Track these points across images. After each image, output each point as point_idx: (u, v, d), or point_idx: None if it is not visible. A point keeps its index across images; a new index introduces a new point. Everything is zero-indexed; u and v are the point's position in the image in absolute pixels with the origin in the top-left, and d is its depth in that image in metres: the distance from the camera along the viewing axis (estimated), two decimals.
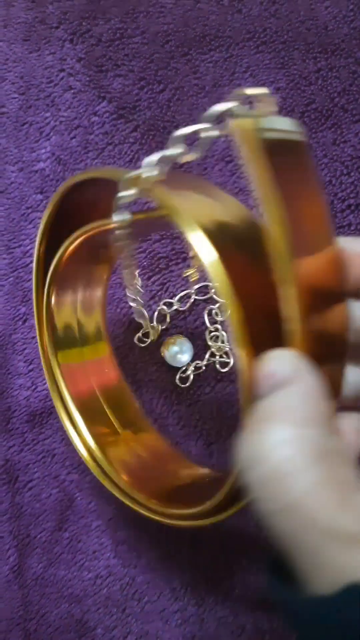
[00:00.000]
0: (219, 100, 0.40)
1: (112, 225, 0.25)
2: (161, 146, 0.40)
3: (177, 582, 0.36)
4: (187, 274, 0.38)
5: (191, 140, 0.23)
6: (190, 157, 0.23)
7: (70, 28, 0.42)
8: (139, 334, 0.39)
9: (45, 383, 0.39)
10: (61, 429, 0.39)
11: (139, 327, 0.39)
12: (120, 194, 0.23)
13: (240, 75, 0.40)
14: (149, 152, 0.40)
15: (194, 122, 0.39)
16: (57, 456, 0.39)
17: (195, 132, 0.22)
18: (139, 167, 0.23)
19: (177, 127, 0.39)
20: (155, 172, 0.22)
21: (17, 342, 0.40)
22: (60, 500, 0.38)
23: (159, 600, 0.36)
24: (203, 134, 0.22)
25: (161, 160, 0.22)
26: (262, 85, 0.40)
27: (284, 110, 0.39)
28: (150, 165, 0.22)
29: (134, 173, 0.23)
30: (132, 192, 0.23)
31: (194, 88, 0.40)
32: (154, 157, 0.22)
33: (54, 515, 0.38)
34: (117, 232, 0.25)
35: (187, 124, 0.39)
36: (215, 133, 0.22)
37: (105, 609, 0.37)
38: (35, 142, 0.41)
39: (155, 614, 0.36)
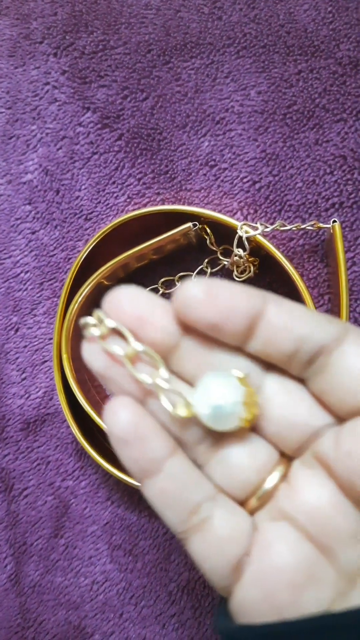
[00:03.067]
0: (201, 105, 0.40)
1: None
2: (145, 153, 0.40)
3: (173, 586, 0.36)
4: None
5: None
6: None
7: (54, 42, 0.42)
8: None
9: (38, 391, 0.40)
10: (55, 436, 0.39)
11: None
12: (242, 235, 0.35)
13: (222, 80, 0.40)
14: (134, 159, 0.41)
15: (177, 128, 0.40)
16: (51, 463, 0.39)
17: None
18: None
19: (161, 134, 0.40)
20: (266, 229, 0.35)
21: (10, 351, 0.40)
22: (55, 507, 0.39)
23: (155, 605, 0.36)
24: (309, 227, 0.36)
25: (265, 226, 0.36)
26: (244, 89, 0.40)
27: (267, 112, 0.40)
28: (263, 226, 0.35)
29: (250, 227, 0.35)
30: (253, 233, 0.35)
31: (176, 95, 0.41)
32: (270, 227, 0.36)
33: (49, 522, 0.38)
34: (235, 258, 0.36)
35: (170, 131, 0.40)
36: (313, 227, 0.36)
37: (102, 614, 0.37)
38: (23, 154, 0.42)
39: (153, 618, 0.36)
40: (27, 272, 0.41)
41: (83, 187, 0.41)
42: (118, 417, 0.19)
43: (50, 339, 0.40)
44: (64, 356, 0.36)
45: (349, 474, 0.18)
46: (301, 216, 0.38)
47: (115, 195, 0.41)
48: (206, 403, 0.19)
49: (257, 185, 0.39)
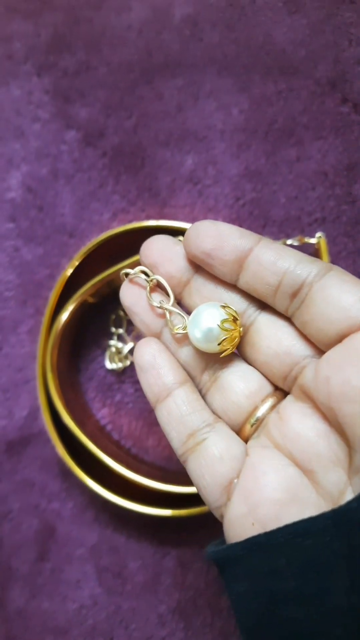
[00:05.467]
0: (183, 123, 0.41)
1: None
2: (129, 170, 0.41)
3: (164, 607, 0.36)
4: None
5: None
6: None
7: (37, 62, 0.43)
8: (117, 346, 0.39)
9: (22, 411, 0.39)
10: (39, 457, 0.38)
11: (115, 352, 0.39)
12: None
13: (203, 99, 0.41)
14: (118, 176, 0.41)
15: (160, 145, 0.40)
16: (36, 485, 0.38)
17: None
18: None
19: (144, 151, 0.40)
20: None
21: None
22: (40, 530, 0.38)
23: (146, 627, 0.35)
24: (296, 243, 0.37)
25: None
26: (226, 107, 0.41)
27: (248, 130, 0.40)
28: None
29: None
30: None
31: (159, 113, 0.41)
32: None
33: (35, 546, 0.37)
34: None
35: (154, 148, 0.40)
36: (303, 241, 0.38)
37: (91, 639, 0.36)
38: (6, 172, 0.42)
39: None
40: (10, 289, 0.41)
41: (67, 204, 0.41)
42: (142, 351, 0.23)
43: (34, 357, 0.40)
44: (49, 375, 0.36)
45: (328, 399, 0.20)
46: (285, 231, 0.39)
47: (99, 211, 0.41)
48: (197, 326, 0.22)
49: (241, 201, 0.39)
